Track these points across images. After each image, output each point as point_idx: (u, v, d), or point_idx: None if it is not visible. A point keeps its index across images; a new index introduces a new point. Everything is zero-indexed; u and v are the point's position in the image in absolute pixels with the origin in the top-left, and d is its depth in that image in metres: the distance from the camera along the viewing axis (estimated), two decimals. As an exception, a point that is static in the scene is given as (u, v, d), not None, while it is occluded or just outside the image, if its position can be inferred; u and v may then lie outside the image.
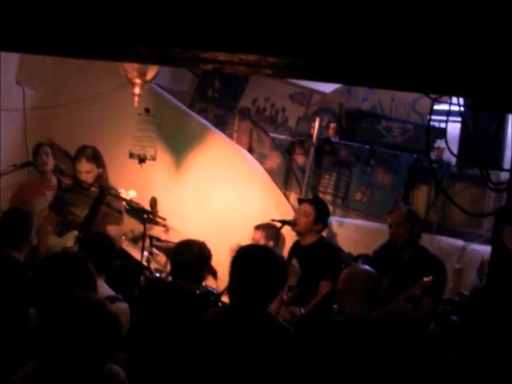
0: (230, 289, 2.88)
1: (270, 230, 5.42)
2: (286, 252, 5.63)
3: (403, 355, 3.35)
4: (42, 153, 5.59)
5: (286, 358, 2.75)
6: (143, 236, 5.06)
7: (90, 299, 2.45)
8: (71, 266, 2.95)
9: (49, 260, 3.11)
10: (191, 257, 3.74)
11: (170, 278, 4.00)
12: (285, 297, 4.84)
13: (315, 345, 3.20)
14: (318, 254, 4.78)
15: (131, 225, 5.97)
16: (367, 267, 3.57)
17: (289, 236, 5.80)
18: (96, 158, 5.07)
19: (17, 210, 4.28)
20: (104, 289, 3.63)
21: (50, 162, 5.63)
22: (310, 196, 6.28)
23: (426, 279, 4.23)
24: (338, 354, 3.19)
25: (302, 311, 4.58)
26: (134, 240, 6.12)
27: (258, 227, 5.49)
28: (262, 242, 5.31)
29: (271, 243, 5.43)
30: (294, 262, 4.95)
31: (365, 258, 5.20)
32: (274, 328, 2.83)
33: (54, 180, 5.65)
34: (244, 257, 2.87)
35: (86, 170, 5.01)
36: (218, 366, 2.74)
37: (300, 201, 5.13)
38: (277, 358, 2.73)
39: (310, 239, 4.87)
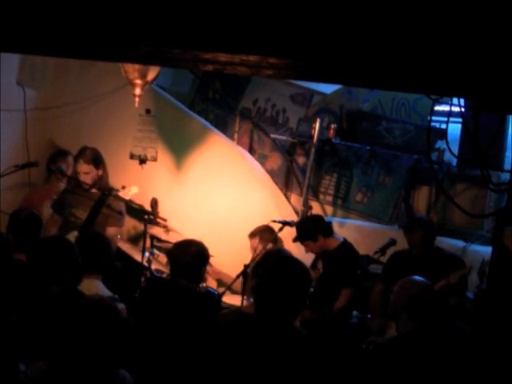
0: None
1: (265, 234, 5.24)
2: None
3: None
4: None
5: (300, 360, 2.70)
6: (144, 237, 5.06)
7: (102, 302, 2.48)
8: None
9: None
10: (190, 255, 3.76)
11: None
12: None
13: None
14: (339, 259, 4.82)
15: (132, 223, 5.97)
16: (417, 277, 3.53)
17: (289, 238, 5.79)
18: (95, 160, 5.06)
19: (26, 213, 4.25)
20: (100, 289, 3.63)
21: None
22: (310, 197, 6.27)
23: (462, 269, 4.28)
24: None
25: None
26: (136, 239, 6.11)
27: (251, 235, 5.28)
28: (259, 247, 5.03)
29: (268, 246, 5.34)
30: (320, 265, 4.97)
31: (366, 259, 5.19)
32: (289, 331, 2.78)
33: (62, 185, 5.56)
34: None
35: (84, 171, 5.01)
36: (229, 371, 2.71)
37: (294, 241, 5.10)
38: (291, 360, 2.68)
39: (332, 245, 4.90)
